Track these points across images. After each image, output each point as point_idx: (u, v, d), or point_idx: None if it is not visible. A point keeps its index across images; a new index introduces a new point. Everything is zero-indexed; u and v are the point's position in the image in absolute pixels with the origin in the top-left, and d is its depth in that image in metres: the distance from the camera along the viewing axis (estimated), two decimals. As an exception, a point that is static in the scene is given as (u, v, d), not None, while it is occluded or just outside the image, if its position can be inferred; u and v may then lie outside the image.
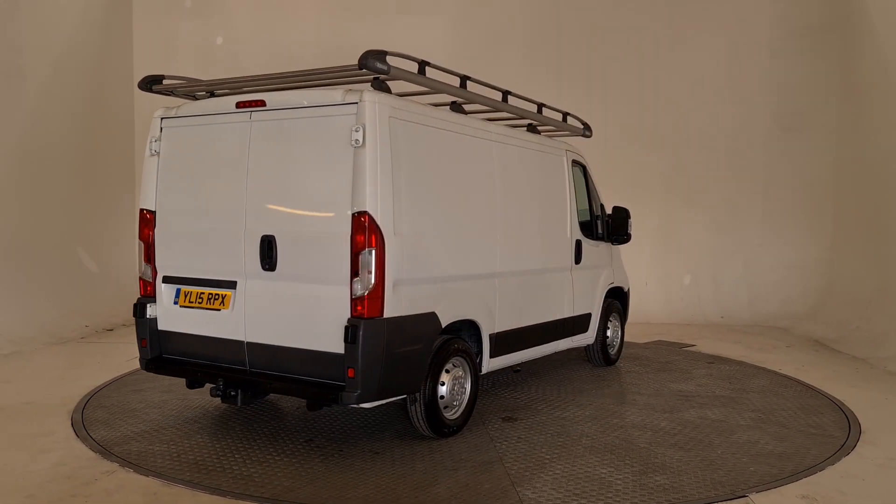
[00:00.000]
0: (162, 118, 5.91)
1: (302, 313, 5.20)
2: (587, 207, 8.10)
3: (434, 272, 5.54)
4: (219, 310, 5.54)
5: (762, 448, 5.67)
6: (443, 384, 5.70)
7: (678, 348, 9.97)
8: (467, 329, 6.07)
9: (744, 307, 12.54)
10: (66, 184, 10.94)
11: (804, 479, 5.06)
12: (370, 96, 5.05)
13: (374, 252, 4.91)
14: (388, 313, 5.03)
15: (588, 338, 8.13)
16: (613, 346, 8.80)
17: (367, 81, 5.37)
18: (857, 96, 11.49)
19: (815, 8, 12.38)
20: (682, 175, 12.93)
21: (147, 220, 5.94)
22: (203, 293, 5.65)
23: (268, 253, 5.29)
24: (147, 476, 4.88)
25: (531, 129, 7.56)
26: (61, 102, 10.84)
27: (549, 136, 8.00)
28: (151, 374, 6.08)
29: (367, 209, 4.91)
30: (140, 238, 5.99)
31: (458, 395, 5.87)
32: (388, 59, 5.15)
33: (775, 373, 8.46)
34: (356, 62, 5.07)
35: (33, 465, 5.08)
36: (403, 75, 5.37)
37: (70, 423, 6.03)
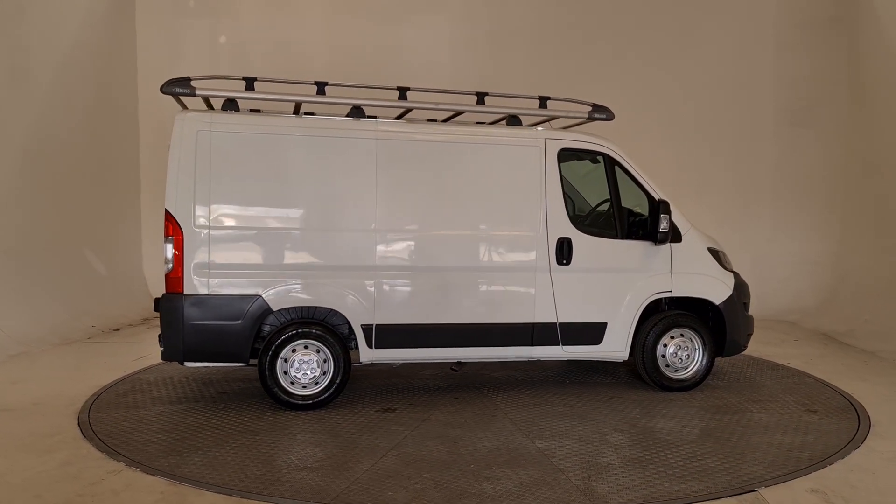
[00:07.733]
0: None
1: None
2: (610, 202, 7.20)
3: (260, 261, 6.40)
4: None
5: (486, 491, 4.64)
6: (286, 361, 6.41)
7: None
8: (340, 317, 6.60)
9: (753, 302, 12.42)
10: (73, 185, 10.95)
11: (814, 473, 5.04)
12: (181, 115, 6.26)
13: (171, 241, 6.13)
14: (188, 291, 6.16)
15: (606, 351, 7.13)
16: (678, 369, 7.29)
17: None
18: (865, 90, 11.40)
19: (823, 1, 12.29)
20: (689, 170, 12.83)
21: None
22: None
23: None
24: (153, 475, 4.89)
25: (512, 120, 7.09)
26: (67, 104, 10.86)
27: (556, 126, 7.50)
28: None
29: (165, 206, 6.15)
30: None
31: (310, 374, 6.46)
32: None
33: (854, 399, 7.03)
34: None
35: (41, 464, 5.09)
36: (217, 94, 6.26)
37: (77, 422, 6.05)
